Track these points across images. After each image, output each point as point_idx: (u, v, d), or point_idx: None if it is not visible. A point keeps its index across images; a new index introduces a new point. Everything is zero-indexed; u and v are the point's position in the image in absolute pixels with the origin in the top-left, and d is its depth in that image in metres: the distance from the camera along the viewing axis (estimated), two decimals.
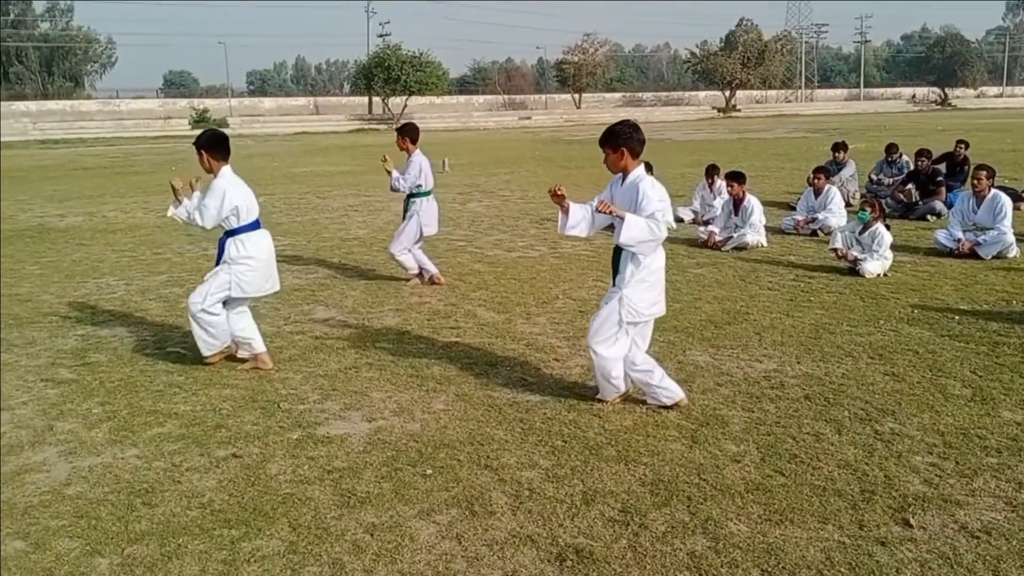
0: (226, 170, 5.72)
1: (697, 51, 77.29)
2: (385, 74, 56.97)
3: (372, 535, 3.65)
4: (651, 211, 4.66)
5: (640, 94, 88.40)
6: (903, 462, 4.22)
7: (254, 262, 5.79)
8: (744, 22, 78.73)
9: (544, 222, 12.34)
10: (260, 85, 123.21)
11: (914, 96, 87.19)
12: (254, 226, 5.81)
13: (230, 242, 5.73)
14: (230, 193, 5.61)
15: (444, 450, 4.50)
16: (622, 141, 4.77)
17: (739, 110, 71.10)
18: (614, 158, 4.83)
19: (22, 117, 53.17)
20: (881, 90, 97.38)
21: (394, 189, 8.17)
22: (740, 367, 5.75)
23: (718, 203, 11.45)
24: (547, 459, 4.37)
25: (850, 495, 3.90)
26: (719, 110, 70.33)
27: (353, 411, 5.09)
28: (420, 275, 8.42)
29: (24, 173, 24.56)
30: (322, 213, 14.10)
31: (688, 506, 3.84)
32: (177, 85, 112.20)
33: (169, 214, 5.76)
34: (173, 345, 6.49)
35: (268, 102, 74.45)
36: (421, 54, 58.98)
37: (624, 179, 4.88)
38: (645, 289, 4.83)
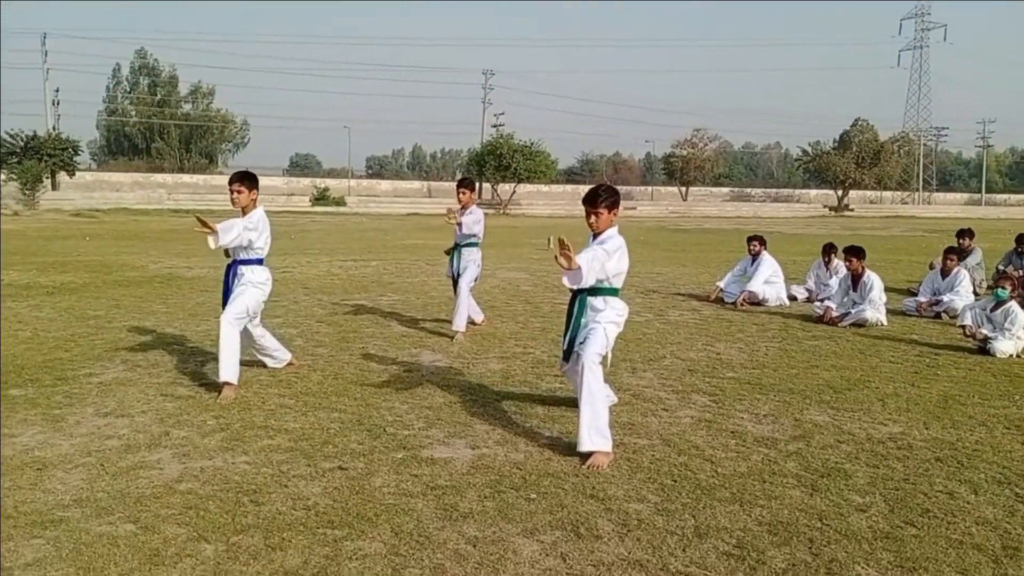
0: (261, 208, 6.40)
1: (809, 149, 76.29)
2: (497, 161, 58.50)
3: (474, 546, 3.55)
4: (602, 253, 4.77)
5: (748, 189, 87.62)
6: None
7: (266, 287, 6.42)
8: (859, 122, 77.61)
9: (651, 293, 12.21)
10: (378, 169, 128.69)
11: None
12: (261, 261, 6.45)
13: (246, 269, 6.33)
14: (265, 228, 6.34)
15: (548, 478, 4.38)
16: (615, 203, 4.92)
17: (852, 209, 69.02)
18: (608, 217, 4.90)
19: (159, 188, 57.10)
20: (1004, 196, 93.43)
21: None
22: (863, 428, 5.43)
23: (834, 282, 11.08)
24: (656, 495, 4.19)
25: (991, 550, 3.56)
26: (831, 208, 68.67)
27: (457, 439, 5.05)
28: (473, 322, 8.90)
29: (158, 235, 26.15)
30: (431, 277, 14.38)
31: (810, 548, 3.58)
32: (302, 167, 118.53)
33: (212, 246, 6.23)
34: (285, 373, 6.64)
35: (384, 184, 77.71)
36: (532, 144, 60.45)
37: (599, 236, 4.92)
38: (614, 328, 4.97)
